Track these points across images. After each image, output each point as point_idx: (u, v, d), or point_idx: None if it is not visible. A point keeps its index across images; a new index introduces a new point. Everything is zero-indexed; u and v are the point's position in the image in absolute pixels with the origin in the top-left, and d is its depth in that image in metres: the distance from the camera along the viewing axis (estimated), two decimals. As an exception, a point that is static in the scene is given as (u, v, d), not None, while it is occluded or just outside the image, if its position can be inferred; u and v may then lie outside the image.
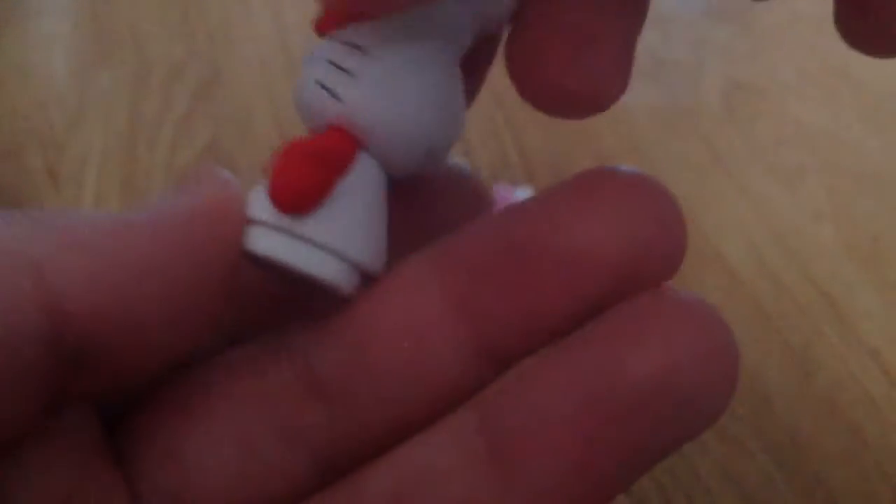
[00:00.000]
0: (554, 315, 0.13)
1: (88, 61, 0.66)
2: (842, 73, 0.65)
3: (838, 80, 0.64)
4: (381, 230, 0.14)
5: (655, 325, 0.12)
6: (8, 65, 0.67)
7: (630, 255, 0.12)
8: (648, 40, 0.68)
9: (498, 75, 0.70)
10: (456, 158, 0.16)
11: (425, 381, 0.13)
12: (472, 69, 0.15)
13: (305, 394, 0.13)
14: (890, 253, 0.50)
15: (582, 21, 0.12)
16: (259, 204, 0.13)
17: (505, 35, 0.14)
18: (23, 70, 0.67)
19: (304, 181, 0.13)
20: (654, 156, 0.56)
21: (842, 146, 0.58)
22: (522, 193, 0.47)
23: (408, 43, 0.14)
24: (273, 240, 0.13)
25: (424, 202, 0.14)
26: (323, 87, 0.14)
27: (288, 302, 0.14)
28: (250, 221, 0.13)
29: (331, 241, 0.13)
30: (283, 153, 0.13)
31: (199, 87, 0.63)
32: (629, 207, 0.12)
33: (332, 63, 0.14)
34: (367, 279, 0.14)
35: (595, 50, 0.12)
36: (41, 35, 0.70)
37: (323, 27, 0.14)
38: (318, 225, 0.13)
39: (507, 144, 0.57)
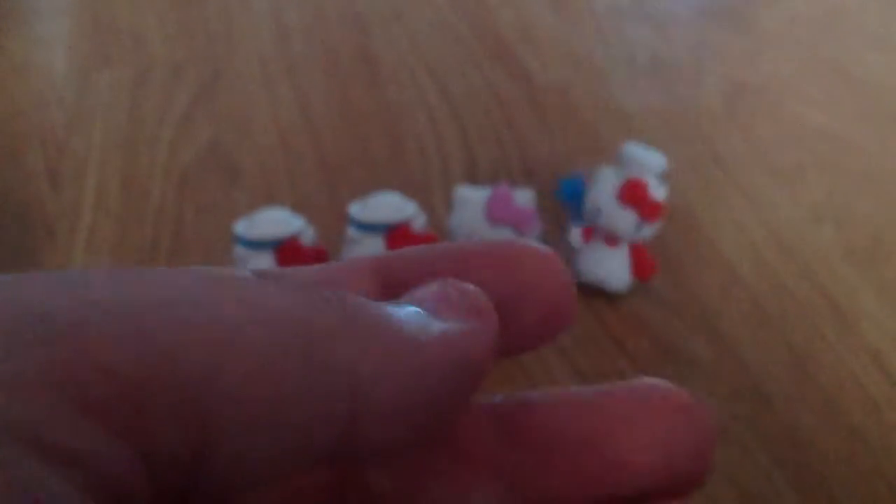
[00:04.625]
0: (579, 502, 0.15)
1: (88, 61, 0.66)
2: (842, 73, 0.65)
3: (838, 80, 0.64)
4: None
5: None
6: (8, 65, 0.67)
7: (662, 471, 0.14)
8: (648, 40, 0.68)
9: (498, 75, 0.71)
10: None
11: None
12: None
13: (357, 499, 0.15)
14: (890, 253, 0.50)
15: None
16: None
17: None
18: (23, 70, 0.67)
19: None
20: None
21: (842, 146, 0.58)
22: (522, 194, 0.47)
23: None
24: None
25: None
26: None
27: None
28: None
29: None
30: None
31: (199, 87, 0.63)
32: (670, 427, 0.14)
33: None
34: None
35: None
36: (41, 35, 0.70)
37: None
38: None
39: (507, 144, 0.57)
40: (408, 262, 0.15)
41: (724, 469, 0.39)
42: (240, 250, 0.44)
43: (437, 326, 0.12)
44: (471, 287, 0.13)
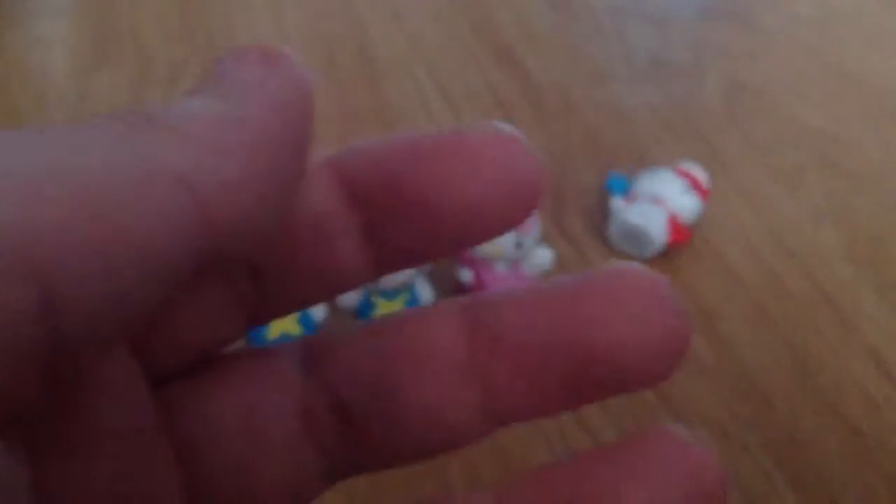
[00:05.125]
0: (559, 399, 0.14)
1: (88, 61, 0.66)
2: (842, 74, 0.65)
3: (838, 80, 0.64)
4: None
5: (652, 460, 0.13)
6: (8, 65, 0.67)
7: (636, 355, 0.13)
8: (648, 40, 0.68)
9: (497, 74, 0.71)
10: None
11: (441, 428, 0.14)
12: None
13: (326, 408, 0.14)
14: (889, 253, 0.50)
15: None
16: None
17: None
18: (23, 70, 0.67)
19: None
20: (654, 157, 0.56)
21: (841, 146, 0.58)
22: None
23: None
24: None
25: None
26: None
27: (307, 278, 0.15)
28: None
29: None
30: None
31: (199, 87, 0.63)
32: (643, 310, 0.14)
33: None
34: None
35: None
36: (41, 35, 0.70)
37: None
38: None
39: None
40: (364, 157, 0.14)
41: (724, 469, 0.39)
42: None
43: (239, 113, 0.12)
44: (279, 52, 0.12)
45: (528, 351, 0.14)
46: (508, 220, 0.14)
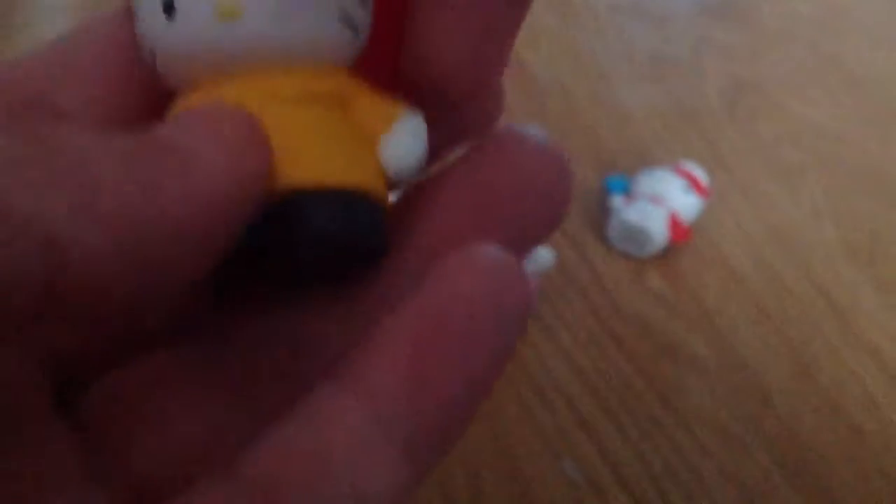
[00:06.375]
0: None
1: (88, 61, 0.66)
2: (842, 72, 0.65)
3: (839, 78, 0.64)
4: None
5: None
6: (8, 65, 0.67)
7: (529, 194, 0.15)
8: (648, 39, 0.68)
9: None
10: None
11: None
12: None
13: None
14: (889, 252, 0.50)
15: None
16: None
17: None
18: (23, 70, 0.67)
19: None
20: (655, 156, 0.56)
21: (841, 145, 0.58)
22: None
23: None
24: None
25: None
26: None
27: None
28: None
29: None
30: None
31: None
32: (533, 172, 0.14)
33: None
34: None
35: None
36: (41, 35, 0.70)
37: None
38: None
39: (507, 144, 0.57)
40: None
41: (724, 469, 0.39)
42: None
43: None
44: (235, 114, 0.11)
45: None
46: None
